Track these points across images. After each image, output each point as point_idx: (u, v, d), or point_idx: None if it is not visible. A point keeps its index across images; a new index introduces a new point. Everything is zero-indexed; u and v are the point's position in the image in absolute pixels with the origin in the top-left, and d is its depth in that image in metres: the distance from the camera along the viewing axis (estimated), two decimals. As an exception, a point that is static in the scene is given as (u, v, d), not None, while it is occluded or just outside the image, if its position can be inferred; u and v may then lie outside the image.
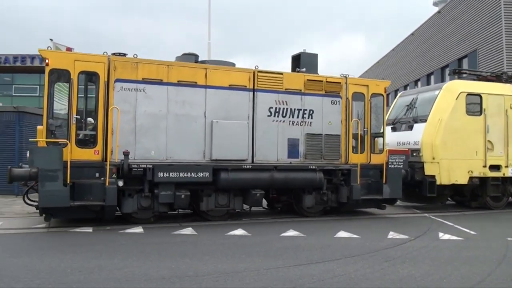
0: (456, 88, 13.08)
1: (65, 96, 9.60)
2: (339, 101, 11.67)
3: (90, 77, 9.84)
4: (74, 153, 9.32)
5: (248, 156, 10.60)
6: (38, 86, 34.96)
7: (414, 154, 12.84)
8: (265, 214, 11.91)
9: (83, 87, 10.36)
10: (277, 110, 11.03)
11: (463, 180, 12.88)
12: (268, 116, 10.93)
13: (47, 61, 9.24)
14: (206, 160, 10.23)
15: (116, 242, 8.13)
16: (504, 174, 13.34)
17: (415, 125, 13.26)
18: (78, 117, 9.50)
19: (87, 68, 9.57)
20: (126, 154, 9.29)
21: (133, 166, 9.37)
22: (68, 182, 8.81)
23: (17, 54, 34.50)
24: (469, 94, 13.14)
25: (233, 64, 11.27)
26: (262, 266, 6.49)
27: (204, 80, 10.42)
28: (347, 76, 11.86)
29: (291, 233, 9.18)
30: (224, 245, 7.97)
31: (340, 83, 11.68)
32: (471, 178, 12.91)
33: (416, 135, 12.99)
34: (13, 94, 36.80)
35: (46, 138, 9.19)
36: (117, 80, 9.74)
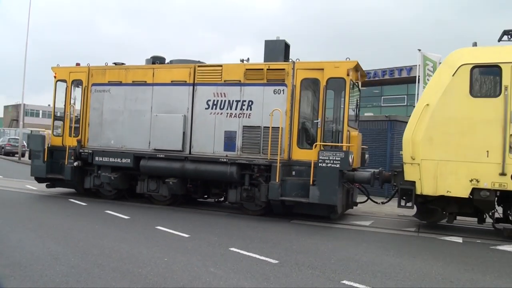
0: (455, 60, 9.11)
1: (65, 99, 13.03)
2: (283, 90, 10.49)
3: (78, 84, 12.86)
4: (68, 141, 12.67)
5: (184, 148, 11.24)
6: (405, 96, 36.69)
7: None
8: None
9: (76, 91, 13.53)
10: (215, 103, 11.09)
11: (460, 191, 8.90)
12: (205, 109, 11.16)
13: (54, 74, 12.94)
14: (150, 149, 11.60)
15: (487, 257, 7.56)
16: (552, 191, 8.37)
17: None
18: (68, 113, 12.76)
19: (76, 77, 12.75)
20: (78, 141, 12.00)
21: (80, 151, 11.94)
22: (45, 160, 12.25)
23: (385, 68, 37.50)
24: (477, 66, 8.91)
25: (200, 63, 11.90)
26: None
27: (152, 78, 11.78)
28: (295, 60, 10.49)
29: None
30: None
31: (284, 69, 10.48)
32: (476, 190, 8.85)
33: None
34: (382, 105, 39.24)
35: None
36: (93, 85, 12.49)
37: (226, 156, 10.80)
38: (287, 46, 11.39)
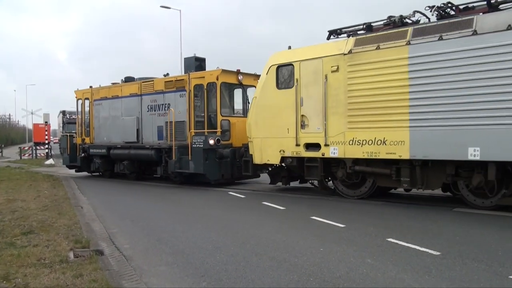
0: (269, 62, 12.02)
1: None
2: (185, 94, 14.67)
3: (87, 100, 18.83)
4: (85, 140, 18.82)
5: (138, 140, 16.21)
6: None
7: None
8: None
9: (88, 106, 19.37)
10: (152, 107, 15.81)
11: (274, 160, 11.92)
12: (147, 111, 15.96)
13: (75, 96, 19.24)
14: (122, 142, 16.86)
15: None
16: (323, 155, 10.93)
17: None
18: (83, 121, 18.88)
19: (86, 96, 18.79)
20: (82, 139, 17.91)
21: (83, 145, 17.83)
22: (69, 153, 18.54)
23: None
24: (280, 66, 11.72)
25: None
26: None
27: (121, 93, 17.04)
28: (190, 72, 14.54)
29: None
30: None
31: (184, 79, 14.65)
32: (284, 158, 11.77)
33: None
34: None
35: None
36: (94, 100, 18.35)
37: (159, 144, 15.43)
38: (201, 60, 15.43)
